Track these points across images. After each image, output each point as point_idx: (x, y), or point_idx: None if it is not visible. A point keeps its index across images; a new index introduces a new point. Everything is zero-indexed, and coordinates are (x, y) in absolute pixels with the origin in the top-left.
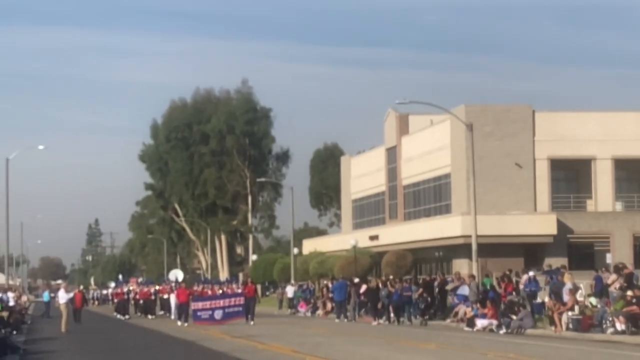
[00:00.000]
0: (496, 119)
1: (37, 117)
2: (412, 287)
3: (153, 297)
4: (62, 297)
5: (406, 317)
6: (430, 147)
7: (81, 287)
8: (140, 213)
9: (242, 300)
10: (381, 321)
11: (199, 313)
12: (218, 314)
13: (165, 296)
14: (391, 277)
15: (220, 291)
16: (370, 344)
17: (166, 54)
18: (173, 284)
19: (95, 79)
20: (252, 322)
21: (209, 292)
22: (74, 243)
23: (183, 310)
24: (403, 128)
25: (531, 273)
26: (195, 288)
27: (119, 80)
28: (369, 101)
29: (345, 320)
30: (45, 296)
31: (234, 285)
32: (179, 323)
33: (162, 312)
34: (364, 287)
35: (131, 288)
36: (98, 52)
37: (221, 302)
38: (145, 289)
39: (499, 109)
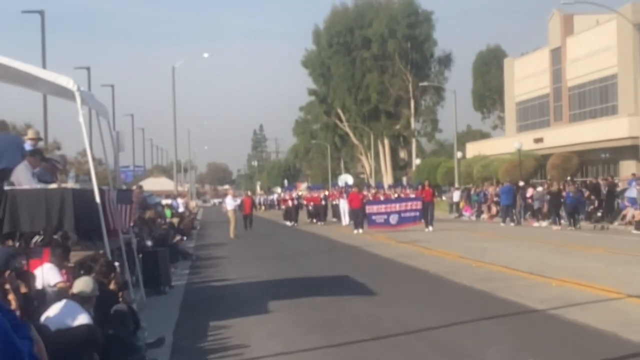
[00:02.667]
0: None
1: (200, 24)
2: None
3: (323, 203)
4: (230, 203)
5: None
6: (596, 48)
7: (248, 192)
8: (304, 118)
9: (419, 204)
10: (544, 224)
11: (373, 217)
12: (394, 219)
13: (336, 202)
14: (569, 178)
15: (396, 195)
16: (537, 248)
17: None
18: (343, 189)
19: None
20: (430, 228)
21: (381, 197)
22: (240, 149)
23: (358, 217)
24: (568, 28)
25: None
26: (365, 192)
27: None
28: (532, 1)
29: (512, 224)
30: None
31: (408, 190)
32: (355, 231)
33: (333, 219)
34: (530, 191)
35: (300, 194)
36: None
37: (397, 206)
38: (315, 194)
39: None
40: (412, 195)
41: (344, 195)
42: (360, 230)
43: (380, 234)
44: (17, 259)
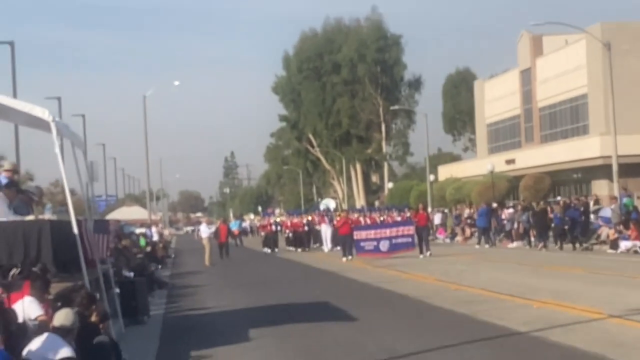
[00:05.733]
0: (634, 36)
1: (170, 53)
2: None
3: (306, 229)
4: (204, 231)
5: (567, 241)
6: (565, 68)
7: (222, 218)
8: (275, 144)
9: (411, 229)
10: (519, 244)
11: (362, 244)
12: (384, 245)
13: (318, 227)
14: (559, 198)
15: (381, 219)
16: (514, 269)
17: None
18: (326, 214)
19: (227, 11)
20: (428, 254)
21: (364, 221)
22: (212, 176)
23: (347, 243)
24: (537, 49)
25: None
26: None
27: (250, 12)
28: (500, 23)
29: (486, 245)
30: (234, 224)
31: (394, 213)
32: (344, 259)
33: (314, 245)
34: (505, 212)
35: (279, 219)
36: None
37: (387, 232)
38: (296, 220)
39: (636, 25)
40: (398, 219)
41: (326, 220)
42: (350, 257)
43: (357, 259)
44: None
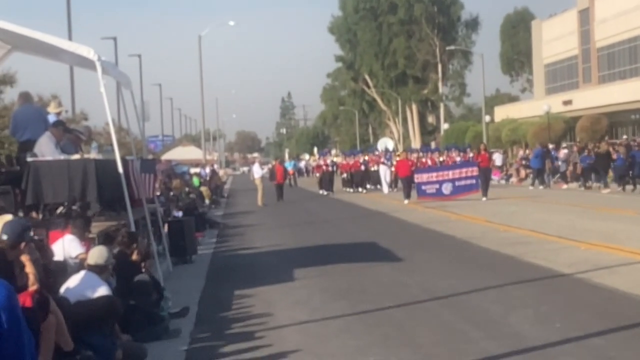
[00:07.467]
0: None
1: None
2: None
3: (363, 168)
4: (257, 171)
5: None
6: (624, 7)
7: (278, 159)
8: (331, 85)
9: (475, 170)
10: (570, 185)
11: (423, 187)
12: (447, 188)
13: (375, 168)
14: (624, 137)
15: (440, 159)
16: (566, 211)
17: None
18: (384, 154)
19: None
20: (484, 199)
21: (425, 161)
22: (268, 116)
23: (407, 185)
24: None
25: None
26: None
27: None
28: None
29: (541, 187)
30: (289, 164)
31: (454, 153)
32: (406, 201)
33: (369, 186)
34: (562, 153)
35: (335, 159)
36: None
37: (450, 174)
38: (354, 160)
39: None
40: (458, 159)
41: (384, 161)
42: (406, 201)
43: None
44: (33, 230)
